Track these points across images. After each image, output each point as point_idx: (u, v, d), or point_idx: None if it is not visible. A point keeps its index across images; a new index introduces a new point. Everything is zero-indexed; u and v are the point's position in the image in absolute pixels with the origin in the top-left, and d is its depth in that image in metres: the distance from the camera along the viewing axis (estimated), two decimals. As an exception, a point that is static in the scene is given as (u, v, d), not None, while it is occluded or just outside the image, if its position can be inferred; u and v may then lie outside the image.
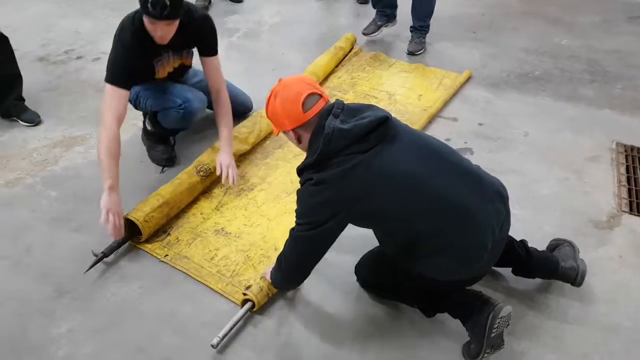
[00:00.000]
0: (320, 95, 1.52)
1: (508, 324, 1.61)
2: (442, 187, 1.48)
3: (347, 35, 3.48)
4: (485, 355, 1.61)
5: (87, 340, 1.75)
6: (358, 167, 1.43)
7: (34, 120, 2.74)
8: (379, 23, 3.71)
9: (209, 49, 2.31)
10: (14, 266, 2.01)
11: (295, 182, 2.24)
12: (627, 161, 2.57)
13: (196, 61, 2.42)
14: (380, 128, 1.46)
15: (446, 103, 2.98)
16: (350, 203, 1.47)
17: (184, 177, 2.25)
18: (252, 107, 2.84)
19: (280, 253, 1.67)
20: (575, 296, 1.91)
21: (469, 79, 3.21)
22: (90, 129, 2.75)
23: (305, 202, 1.52)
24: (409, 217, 1.49)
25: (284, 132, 1.57)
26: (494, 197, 1.57)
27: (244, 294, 1.80)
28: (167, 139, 2.56)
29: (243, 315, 1.77)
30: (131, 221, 2.02)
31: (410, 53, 3.47)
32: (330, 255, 2.03)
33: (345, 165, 1.43)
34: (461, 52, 3.55)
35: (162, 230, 2.15)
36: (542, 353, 1.73)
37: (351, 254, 1.93)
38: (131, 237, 2.06)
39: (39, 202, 2.31)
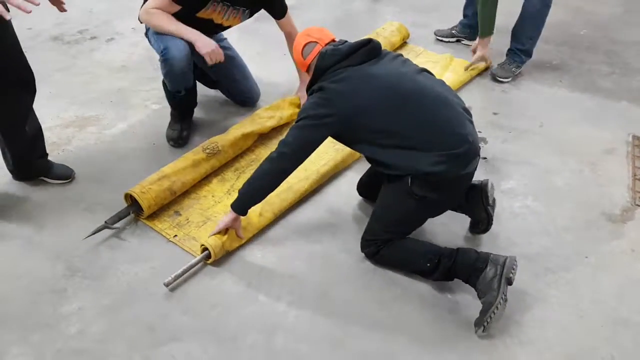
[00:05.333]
0: (316, 42, 1.88)
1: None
2: (422, 83, 1.79)
3: (400, 28, 3.33)
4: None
5: (98, 318, 1.77)
6: (348, 76, 1.76)
7: (70, 175, 2.30)
8: (453, 32, 3.44)
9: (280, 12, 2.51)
10: (26, 245, 2.03)
11: (309, 170, 2.29)
12: (643, 155, 2.54)
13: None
14: (366, 46, 1.80)
15: (457, 90, 2.95)
16: (341, 103, 1.75)
17: (189, 154, 2.29)
18: (256, 99, 2.79)
19: (282, 139, 1.84)
20: (585, 289, 1.90)
21: (487, 69, 3.17)
22: (103, 109, 2.76)
23: (308, 104, 1.81)
24: (391, 110, 1.74)
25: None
26: (462, 104, 1.86)
27: (202, 245, 1.93)
28: (186, 118, 2.57)
29: (198, 262, 1.91)
30: (136, 198, 2.05)
31: (493, 76, 3.07)
32: (339, 242, 2.05)
33: (339, 75, 1.77)
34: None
35: (174, 210, 2.16)
36: (551, 345, 1.72)
37: (359, 241, 1.95)
38: (136, 212, 2.09)
39: (52, 182, 2.32)
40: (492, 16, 2.90)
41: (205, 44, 2.22)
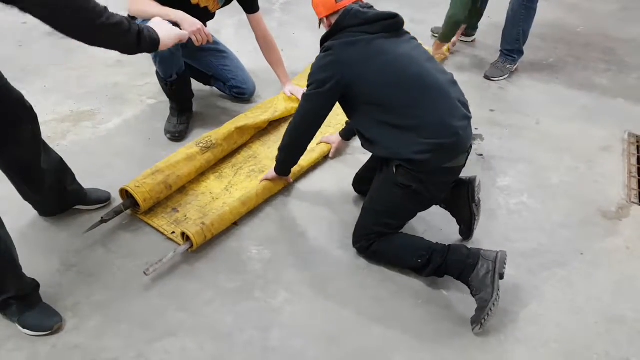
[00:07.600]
0: None
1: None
2: (427, 70, 1.78)
3: None
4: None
5: (93, 314, 1.76)
6: (361, 42, 1.76)
7: (108, 198, 2.17)
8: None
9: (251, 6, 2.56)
10: (21, 240, 2.00)
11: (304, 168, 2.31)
12: (638, 152, 2.55)
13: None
14: (390, 20, 1.80)
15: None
16: (345, 68, 1.76)
17: (182, 149, 2.28)
18: (252, 92, 2.80)
19: (297, 110, 1.95)
20: (581, 286, 1.91)
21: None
22: (99, 104, 2.75)
23: (315, 66, 1.84)
24: (392, 87, 1.74)
25: (321, 22, 1.96)
26: (462, 99, 1.84)
27: (183, 232, 1.95)
28: (185, 112, 2.57)
29: (180, 251, 1.93)
30: (131, 192, 2.04)
31: (486, 77, 3.08)
32: (334, 239, 2.05)
33: (351, 38, 1.76)
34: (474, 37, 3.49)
35: (171, 207, 2.15)
36: (546, 341, 1.73)
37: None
38: (131, 207, 2.08)
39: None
40: (455, 24, 2.92)
41: (191, 24, 2.22)
